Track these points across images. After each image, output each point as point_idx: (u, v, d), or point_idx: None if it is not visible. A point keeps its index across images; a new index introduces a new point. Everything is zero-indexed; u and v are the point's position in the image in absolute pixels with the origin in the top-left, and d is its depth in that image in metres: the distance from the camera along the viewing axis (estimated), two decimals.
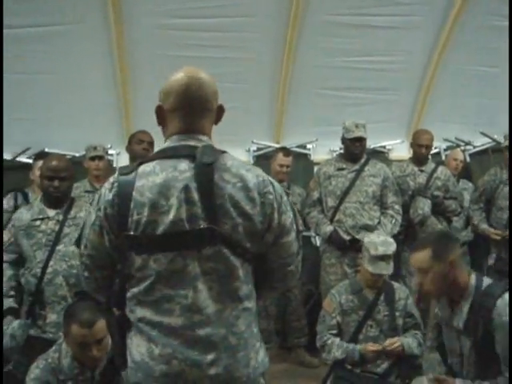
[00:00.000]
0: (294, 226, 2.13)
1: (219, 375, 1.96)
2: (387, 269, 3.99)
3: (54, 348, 3.12)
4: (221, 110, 2.20)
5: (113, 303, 2.15)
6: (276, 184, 2.12)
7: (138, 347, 1.98)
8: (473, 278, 2.92)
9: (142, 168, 2.05)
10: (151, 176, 2.01)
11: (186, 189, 1.97)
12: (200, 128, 2.13)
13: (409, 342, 3.90)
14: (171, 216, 1.95)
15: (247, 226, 2.02)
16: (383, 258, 3.99)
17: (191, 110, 2.11)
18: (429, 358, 3.35)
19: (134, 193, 1.98)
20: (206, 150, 2.04)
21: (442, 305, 3.08)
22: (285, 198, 2.12)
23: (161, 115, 2.16)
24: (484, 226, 5.41)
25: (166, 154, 2.08)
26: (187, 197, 1.97)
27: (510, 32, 5.94)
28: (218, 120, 2.21)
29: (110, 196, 2.02)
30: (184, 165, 2.02)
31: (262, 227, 2.04)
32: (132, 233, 1.96)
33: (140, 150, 4.87)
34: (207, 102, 2.13)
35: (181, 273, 1.96)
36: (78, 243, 2.17)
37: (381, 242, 4.07)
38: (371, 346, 3.87)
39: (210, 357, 1.95)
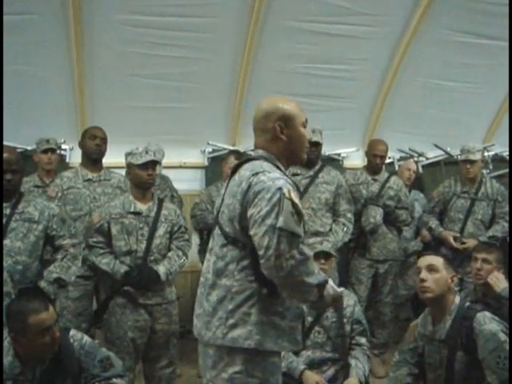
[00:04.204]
0: (269, 222, 2.31)
1: (197, 327, 2.60)
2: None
3: None
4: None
5: None
6: (263, 179, 2.41)
7: None
8: (458, 298, 3.29)
9: None
10: None
11: None
12: (258, 144, 2.67)
13: (362, 369, 3.90)
14: None
15: (227, 212, 2.52)
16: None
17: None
18: (395, 375, 3.50)
19: None
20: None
21: (425, 322, 3.37)
22: (265, 194, 2.36)
23: None
24: (441, 230, 5.48)
25: None
26: None
27: (510, 34, 6.02)
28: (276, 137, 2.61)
29: None
30: None
31: (239, 213, 2.44)
32: None
33: (93, 146, 4.81)
34: (257, 123, 2.66)
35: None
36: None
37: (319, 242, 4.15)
38: (315, 380, 3.80)
39: (197, 311, 2.62)
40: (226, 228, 2.52)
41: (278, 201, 2.33)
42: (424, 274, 3.23)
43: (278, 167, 2.55)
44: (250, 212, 2.39)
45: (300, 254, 2.32)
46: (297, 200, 2.37)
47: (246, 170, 2.51)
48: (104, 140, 4.85)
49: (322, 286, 2.41)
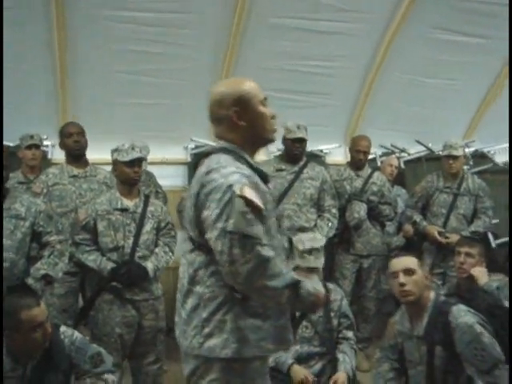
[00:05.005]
0: (220, 225, 2.15)
1: (176, 335, 2.47)
2: (316, 262, 4.01)
3: None
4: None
5: None
6: (215, 177, 2.23)
7: None
8: (432, 294, 3.29)
9: None
10: None
11: None
12: (217, 134, 2.48)
13: (349, 363, 3.92)
14: None
15: (187, 216, 2.37)
16: (311, 251, 4.03)
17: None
18: (378, 371, 3.55)
19: None
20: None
21: (402, 319, 3.39)
22: (215, 194, 2.19)
23: None
24: (425, 224, 5.55)
25: None
26: None
27: (509, 35, 6.06)
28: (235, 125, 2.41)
29: None
30: None
31: (194, 217, 2.30)
32: None
33: (71, 144, 4.81)
34: (211, 113, 2.47)
35: None
36: None
37: (308, 237, 4.13)
38: (303, 374, 3.81)
39: (176, 319, 2.49)
40: (190, 232, 2.37)
41: (228, 200, 2.16)
42: (403, 278, 3.21)
43: (241, 157, 2.36)
44: (203, 215, 2.23)
45: (257, 258, 2.12)
46: (253, 196, 2.17)
47: (203, 167, 2.34)
48: (81, 133, 4.84)
49: (293, 286, 2.21)
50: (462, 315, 3.11)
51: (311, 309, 2.44)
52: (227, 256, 2.12)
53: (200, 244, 2.30)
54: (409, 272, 3.22)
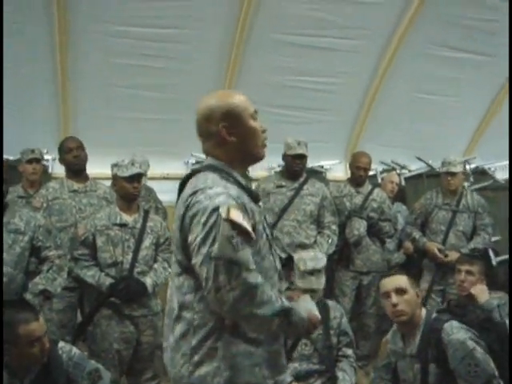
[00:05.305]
0: (205, 250, 2.01)
1: (165, 361, 2.30)
2: (318, 283, 4.01)
3: None
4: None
5: None
6: (200, 198, 2.09)
7: None
8: (423, 312, 3.28)
9: None
10: None
11: None
12: (205, 151, 2.33)
13: (349, 381, 3.87)
14: None
15: (174, 239, 2.24)
16: (312, 272, 4.02)
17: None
18: None
19: None
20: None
21: (394, 338, 3.37)
22: (200, 217, 2.05)
23: None
24: (425, 240, 5.54)
25: None
26: None
27: (510, 36, 6.05)
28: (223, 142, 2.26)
29: None
30: None
31: (180, 241, 2.17)
32: None
33: (71, 159, 4.83)
34: (199, 128, 2.31)
35: None
36: None
37: (310, 257, 4.12)
38: None
39: (164, 343, 2.32)
40: (177, 256, 2.22)
41: (214, 224, 2.02)
42: (395, 299, 3.19)
43: (230, 175, 2.22)
44: (189, 239, 2.10)
45: (243, 284, 1.99)
46: (240, 218, 2.03)
47: (188, 188, 2.20)
48: (80, 148, 4.85)
49: (284, 314, 2.09)
50: (455, 332, 3.09)
51: (305, 334, 2.34)
52: (212, 283, 1.99)
53: (187, 268, 2.16)
54: (401, 292, 3.21)
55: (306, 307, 2.22)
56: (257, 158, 2.35)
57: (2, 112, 5.19)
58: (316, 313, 2.23)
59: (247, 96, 2.36)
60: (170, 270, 4.23)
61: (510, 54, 6.15)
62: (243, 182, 2.27)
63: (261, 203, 2.34)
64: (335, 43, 6.11)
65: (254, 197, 2.28)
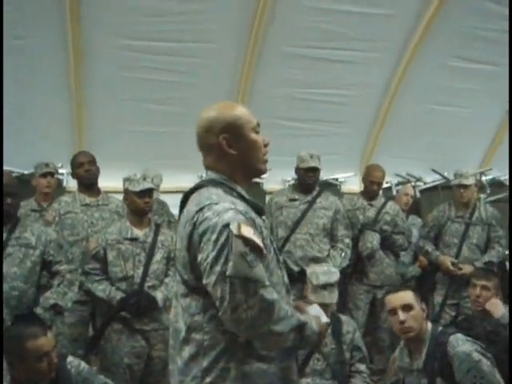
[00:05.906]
0: (218, 269, 1.93)
1: None
2: (330, 298, 3.97)
3: None
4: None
5: None
6: (207, 215, 2.00)
7: None
8: (429, 326, 3.25)
9: None
10: None
11: None
12: (206, 165, 2.25)
13: None
14: None
15: (180, 259, 2.13)
16: (325, 287, 3.98)
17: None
18: None
19: None
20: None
21: (402, 355, 3.33)
22: (210, 235, 1.97)
23: None
24: (437, 254, 5.49)
25: None
26: None
27: (510, 37, 6.04)
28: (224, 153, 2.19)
29: None
30: None
31: (189, 260, 2.07)
32: None
33: (82, 173, 4.87)
34: (199, 140, 2.24)
35: None
36: None
37: (323, 271, 4.08)
38: None
39: (170, 366, 2.22)
40: (184, 276, 2.12)
41: (225, 241, 1.94)
42: (402, 316, 3.17)
43: (232, 189, 2.15)
44: (199, 258, 2.00)
45: (261, 301, 1.93)
46: (251, 234, 1.96)
47: (192, 204, 2.11)
48: (92, 162, 4.88)
49: (299, 328, 2.05)
50: (460, 344, 3.06)
51: (315, 346, 2.31)
52: (228, 302, 1.91)
53: (194, 288, 2.08)
54: (407, 308, 3.19)
55: (317, 318, 2.18)
56: (258, 171, 2.30)
57: (2, 120, 5.21)
58: (324, 319, 2.20)
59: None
60: None
61: (509, 63, 6.16)
62: (246, 196, 2.20)
63: (264, 217, 2.26)
64: (348, 55, 6.15)
65: (259, 210, 2.21)
